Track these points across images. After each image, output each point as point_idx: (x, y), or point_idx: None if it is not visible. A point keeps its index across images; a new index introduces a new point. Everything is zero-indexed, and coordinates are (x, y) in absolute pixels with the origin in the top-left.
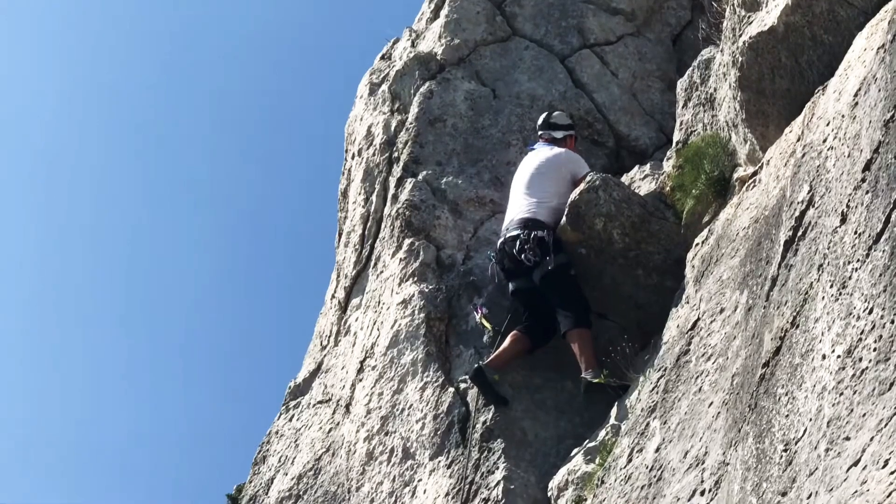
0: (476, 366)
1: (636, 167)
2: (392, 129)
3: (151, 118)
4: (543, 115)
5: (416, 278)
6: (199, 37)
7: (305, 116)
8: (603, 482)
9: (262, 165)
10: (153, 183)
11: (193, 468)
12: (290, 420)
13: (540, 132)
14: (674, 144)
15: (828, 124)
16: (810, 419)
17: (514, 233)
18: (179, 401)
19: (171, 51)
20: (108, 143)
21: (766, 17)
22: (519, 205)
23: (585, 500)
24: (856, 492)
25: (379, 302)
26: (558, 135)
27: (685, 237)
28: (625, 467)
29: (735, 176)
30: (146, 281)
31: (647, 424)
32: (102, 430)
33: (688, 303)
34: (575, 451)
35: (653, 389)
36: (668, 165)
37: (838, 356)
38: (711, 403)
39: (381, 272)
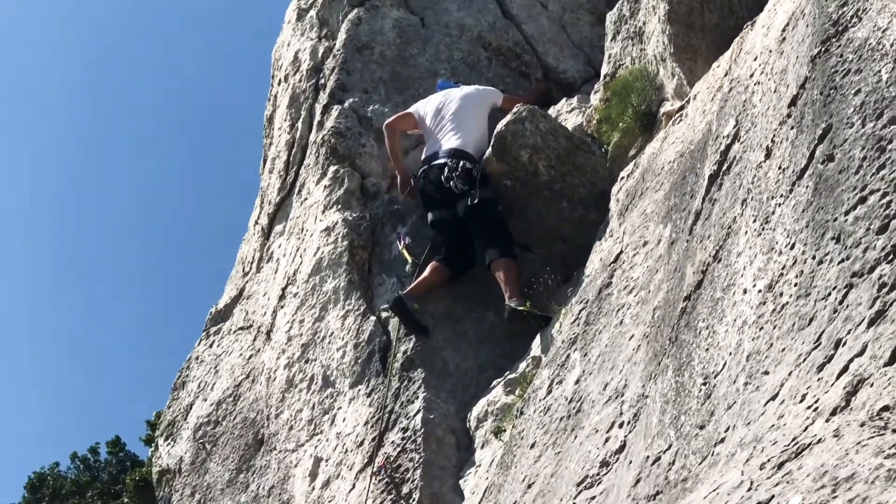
0: (396, 295)
1: (563, 100)
2: (319, 55)
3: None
4: None
5: (340, 206)
6: None
7: (232, 41)
8: (522, 413)
9: (188, 89)
10: (71, 100)
11: (113, 394)
12: (211, 346)
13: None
14: (601, 78)
15: (755, 59)
16: (730, 353)
17: (442, 161)
18: (98, 326)
19: None
20: None
21: None
22: (445, 136)
23: (504, 430)
24: (773, 426)
25: (302, 229)
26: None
27: (611, 171)
28: (544, 399)
29: (662, 110)
30: (68, 206)
31: (568, 356)
32: (20, 354)
33: (611, 236)
34: (495, 382)
35: (574, 322)
36: (595, 99)
37: (759, 291)
38: (632, 336)
39: (306, 199)
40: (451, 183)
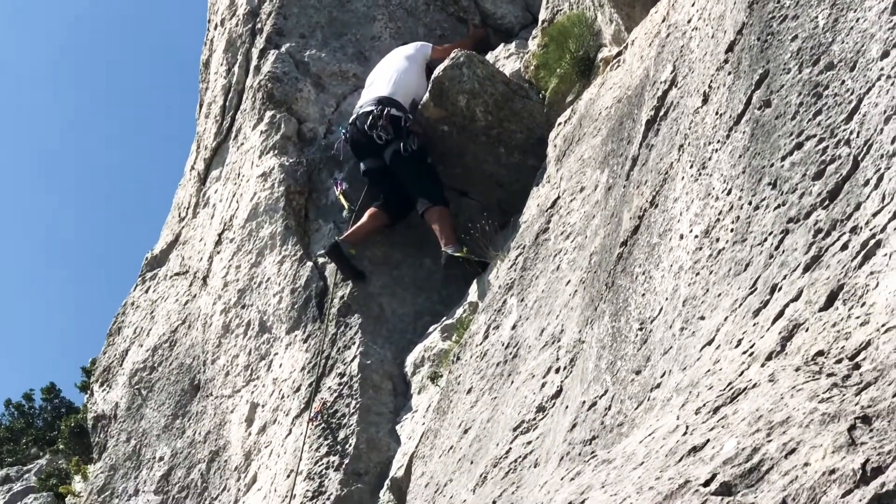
0: (333, 241)
1: (501, 45)
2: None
3: None
4: None
5: (276, 151)
6: None
7: None
8: (459, 359)
9: (123, 33)
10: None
11: (47, 341)
12: (147, 291)
13: None
14: (539, 23)
15: (693, 5)
16: (666, 298)
17: (368, 108)
18: (33, 271)
19: None
20: None
21: None
22: (377, 85)
23: (441, 376)
24: (708, 371)
25: (239, 174)
26: None
27: (548, 116)
28: (481, 344)
29: (599, 56)
30: (4, 145)
31: (504, 302)
32: None
33: (548, 182)
34: (432, 328)
35: (511, 267)
36: (532, 44)
37: (696, 236)
38: (569, 282)
39: (242, 144)
40: (374, 132)
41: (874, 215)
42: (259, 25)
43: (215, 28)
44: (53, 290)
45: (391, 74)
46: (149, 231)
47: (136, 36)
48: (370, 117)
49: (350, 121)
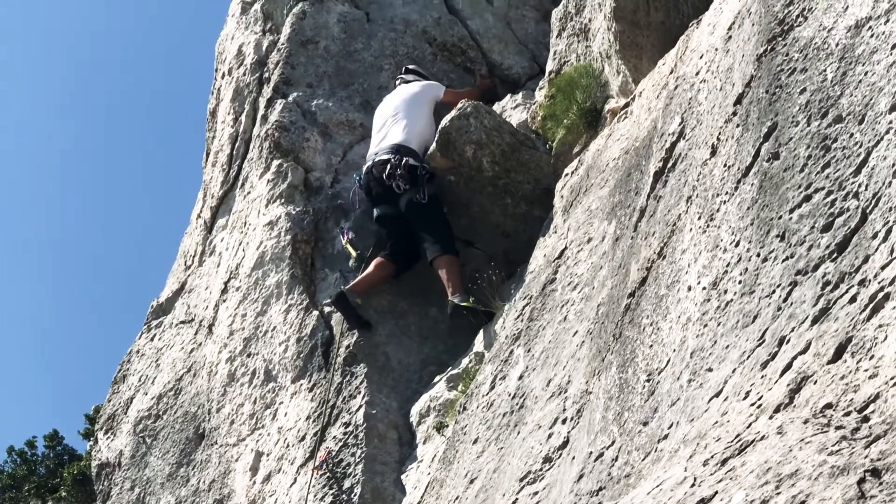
0: (339, 290)
1: (508, 96)
2: (263, 49)
3: None
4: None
5: (283, 200)
6: None
7: (175, 34)
8: (465, 408)
9: (131, 83)
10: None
11: (51, 388)
12: (152, 339)
13: (400, 76)
14: (546, 74)
15: (701, 57)
16: (674, 350)
17: (385, 157)
18: (36, 319)
19: None
20: None
21: None
22: (389, 132)
23: (446, 426)
24: (716, 422)
25: (245, 223)
26: (410, 77)
27: (555, 167)
28: (487, 394)
29: (607, 107)
30: (9, 196)
31: (511, 352)
32: None
33: (555, 232)
34: (438, 377)
35: (518, 317)
36: (540, 95)
37: (704, 288)
38: (576, 332)
39: (249, 193)
40: (393, 182)
41: (882, 268)
42: (266, 75)
43: (223, 77)
44: (57, 338)
45: (403, 120)
46: (154, 279)
47: (143, 83)
48: (388, 166)
49: (365, 169)
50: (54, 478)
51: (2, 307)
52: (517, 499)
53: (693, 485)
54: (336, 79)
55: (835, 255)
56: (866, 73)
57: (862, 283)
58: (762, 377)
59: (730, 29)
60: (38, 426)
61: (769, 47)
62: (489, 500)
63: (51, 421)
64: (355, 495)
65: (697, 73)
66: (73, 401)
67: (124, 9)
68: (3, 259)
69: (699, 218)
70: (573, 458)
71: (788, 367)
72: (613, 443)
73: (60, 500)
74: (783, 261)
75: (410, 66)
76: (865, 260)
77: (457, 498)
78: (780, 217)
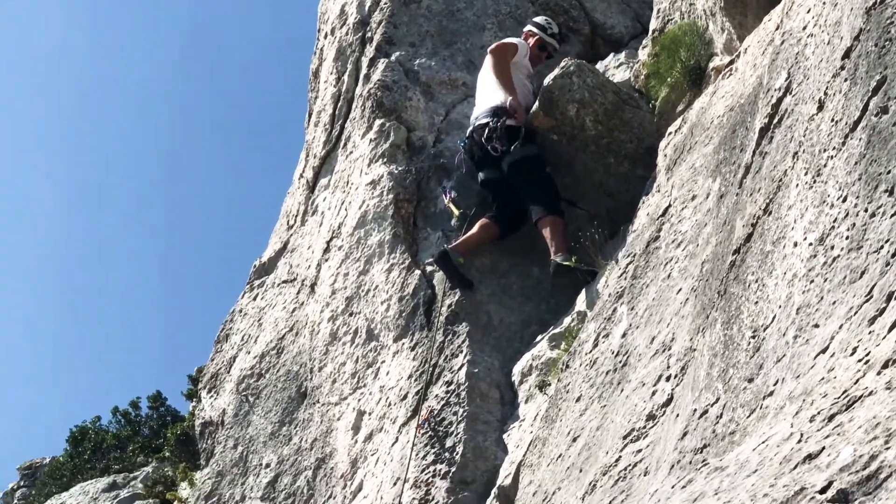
0: (442, 249)
1: (611, 55)
2: (366, 8)
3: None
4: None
5: (385, 159)
6: None
7: None
8: (568, 367)
9: (235, 45)
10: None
11: (154, 349)
12: (255, 299)
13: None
14: (650, 32)
15: (808, 11)
16: (780, 306)
17: (484, 121)
18: (142, 280)
19: None
20: None
21: None
22: (490, 92)
23: (549, 384)
24: (823, 378)
25: (347, 182)
26: (525, 29)
27: (658, 126)
28: (590, 352)
29: (711, 65)
30: (110, 161)
31: (615, 310)
32: (63, 311)
33: (659, 190)
34: (540, 336)
35: (621, 275)
36: (643, 54)
37: (810, 244)
38: (680, 290)
39: (351, 152)
40: (491, 146)
41: None
42: (369, 34)
43: (325, 37)
44: (160, 299)
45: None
46: (257, 239)
47: (246, 45)
48: (486, 129)
49: (467, 133)
50: (158, 438)
51: (109, 271)
52: (620, 456)
53: (800, 441)
54: (438, 38)
55: None
56: None
57: None
58: (870, 333)
59: None
60: (142, 387)
61: (879, 0)
62: (592, 457)
63: (154, 382)
64: (457, 454)
65: (804, 28)
66: (175, 362)
67: None
68: (108, 218)
69: (806, 173)
70: (677, 415)
71: None
72: (718, 400)
73: (164, 459)
74: (891, 216)
75: (537, 20)
76: None
77: (559, 456)
78: (889, 172)
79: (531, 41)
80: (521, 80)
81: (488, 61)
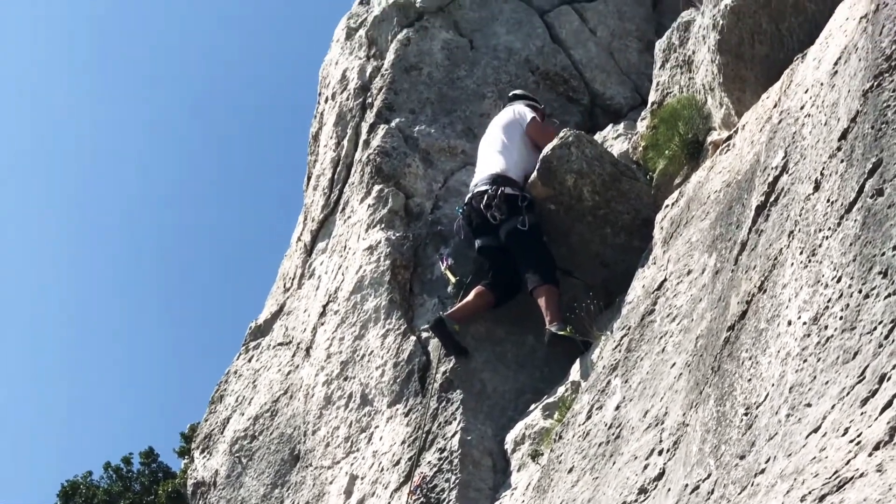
0: (437, 316)
1: (610, 126)
2: (367, 74)
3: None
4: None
5: (383, 225)
6: None
7: (278, 59)
8: (561, 437)
9: (233, 107)
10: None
11: (147, 406)
12: (250, 360)
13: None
14: (649, 104)
15: (806, 91)
16: (773, 384)
17: (483, 188)
18: (135, 338)
19: None
20: None
21: None
22: (488, 161)
23: (541, 454)
24: (814, 458)
25: (345, 247)
26: (515, 103)
27: (655, 198)
28: (583, 423)
29: (709, 139)
30: (108, 215)
31: (609, 382)
32: (55, 362)
33: (654, 263)
34: (533, 406)
35: (615, 347)
36: (641, 125)
37: (804, 323)
38: (674, 364)
39: (349, 217)
40: (489, 213)
41: None
42: (370, 100)
43: (326, 101)
44: (155, 356)
45: (501, 148)
46: (253, 300)
47: (248, 107)
48: (485, 197)
49: (466, 200)
50: (149, 494)
51: (103, 324)
52: None
53: None
54: (439, 105)
55: None
56: None
57: None
58: (862, 414)
59: (836, 64)
60: (134, 443)
61: (875, 83)
62: None
63: (146, 438)
64: None
65: (802, 108)
66: (168, 419)
67: (231, 33)
68: (106, 277)
69: (801, 253)
70: (668, 489)
71: (889, 404)
72: (710, 476)
73: None
74: (885, 298)
75: (517, 92)
76: None
77: None
78: (884, 254)
79: (537, 113)
80: (529, 151)
81: (493, 126)
